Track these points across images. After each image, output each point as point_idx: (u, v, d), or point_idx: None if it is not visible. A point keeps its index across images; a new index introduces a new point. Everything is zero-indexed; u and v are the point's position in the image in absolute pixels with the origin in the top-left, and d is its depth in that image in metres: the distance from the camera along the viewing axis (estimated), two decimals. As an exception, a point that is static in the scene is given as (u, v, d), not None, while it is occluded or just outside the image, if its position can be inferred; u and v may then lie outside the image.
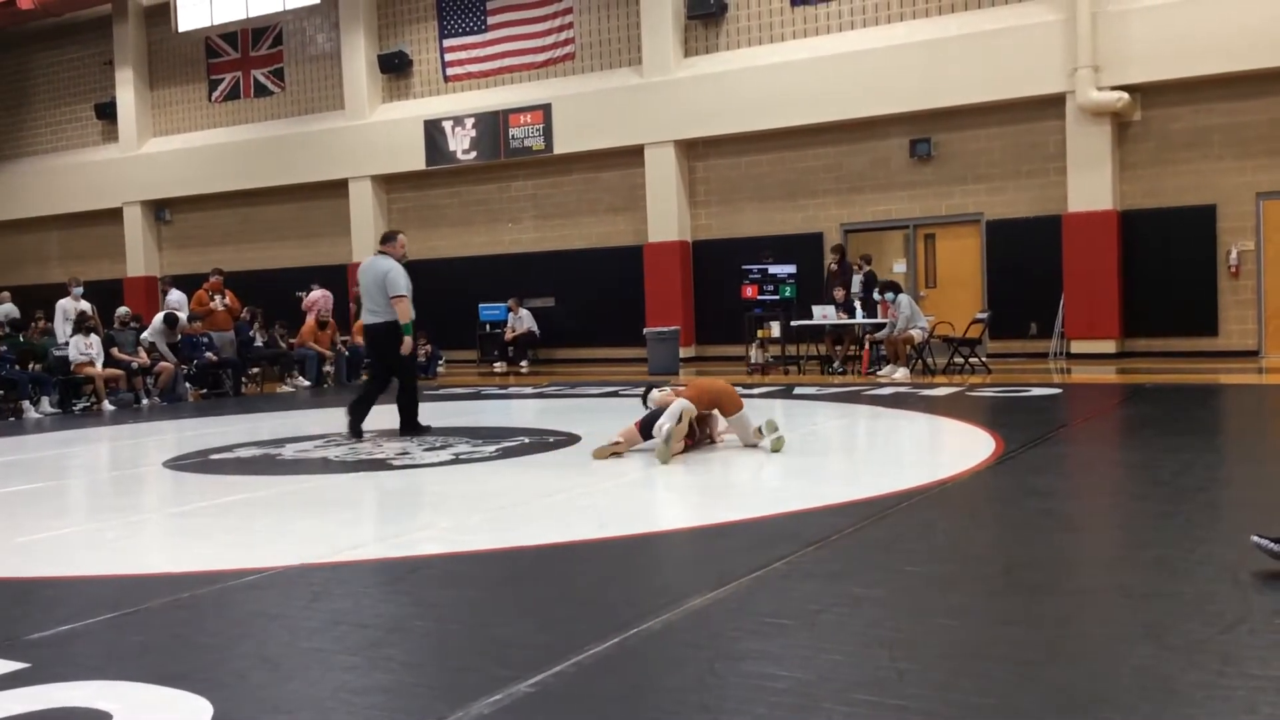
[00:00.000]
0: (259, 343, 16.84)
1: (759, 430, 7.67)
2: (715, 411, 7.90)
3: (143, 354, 14.70)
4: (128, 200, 24.24)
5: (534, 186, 20.27)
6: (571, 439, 8.67)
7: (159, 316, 15.65)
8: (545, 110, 19.36)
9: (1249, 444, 8.04)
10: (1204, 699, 2.83)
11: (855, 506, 5.52)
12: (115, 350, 14.41)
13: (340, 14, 21.48)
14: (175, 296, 17.58)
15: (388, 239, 9.58)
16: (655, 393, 8.04)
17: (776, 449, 7.46)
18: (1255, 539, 4.03)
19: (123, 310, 15.92)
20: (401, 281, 9.15)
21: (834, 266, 16.16)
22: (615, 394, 12.84)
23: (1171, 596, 3.79)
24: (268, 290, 20.37)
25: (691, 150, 18.74)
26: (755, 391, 12.58)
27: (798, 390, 12.61)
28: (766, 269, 15.83)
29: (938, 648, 3.35)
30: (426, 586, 4.42)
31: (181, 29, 23.72)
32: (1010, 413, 9.79)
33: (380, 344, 9.37)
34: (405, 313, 9.15)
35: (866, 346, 14.98)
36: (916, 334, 14.16)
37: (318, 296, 19.01)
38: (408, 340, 9.24)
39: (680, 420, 7.32)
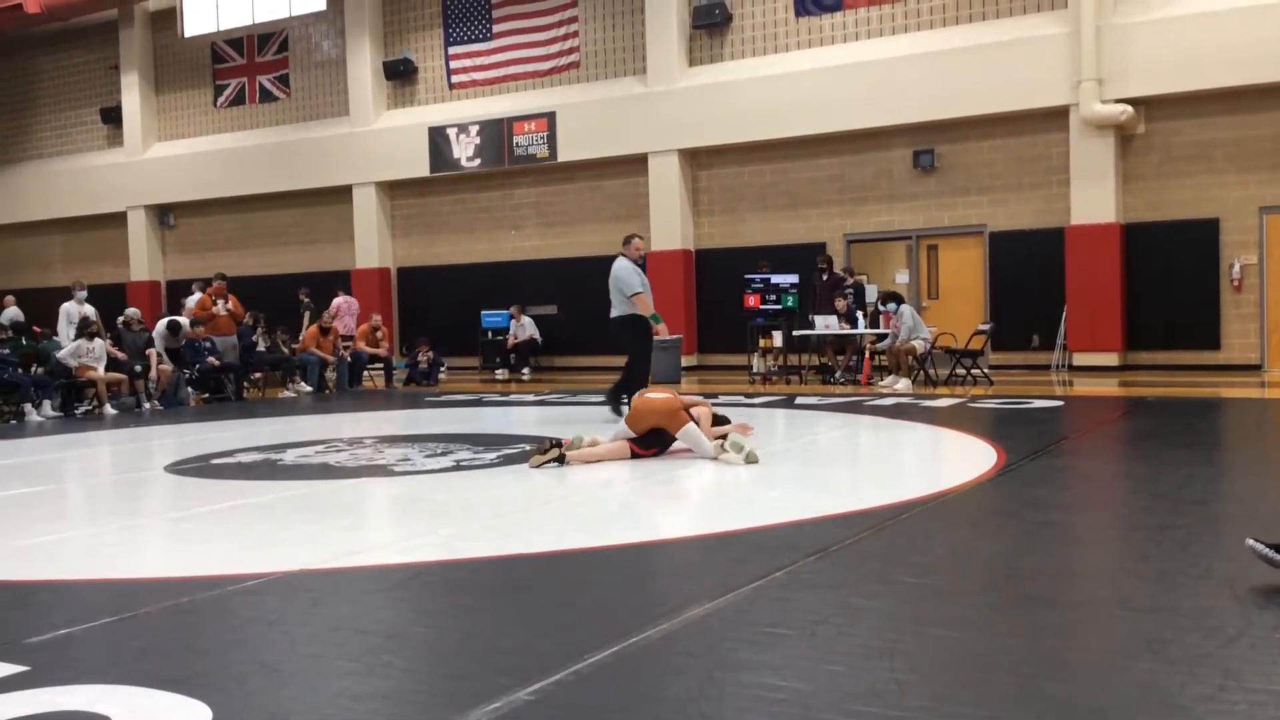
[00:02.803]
0: (261, 348, 16.85)
1: (723, 447, 7.49)
2: (701, 417, 7.90)
3: (152, 354, 14.70)
4: (132, 204, 24.28)
5: (537, 194, 20.30)
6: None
7: (162, 322, 15.67)
8: (549, 118, 19.39)
9: (1251, 458, 8.03)
10: (1205, 713, 2.83)
11: (856, 517, 5.52)
12: (114, 347, 14.42)
13: (346, 20, 21.54)
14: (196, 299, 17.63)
15: (625, 242, 10.76)
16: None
17: (751, 461, 7.39)
18: (1250, 542, 4.02)
19: (132, 311, 15.94)
20: (634, 280, 10.30)
21: (823, 276, 16.17)
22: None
23: (1172, 610, 3.78)
24: (271, 295, 20.39)
25: (695, 159, 18.77)
26: (757, 401, 12.59)
27: (799, 400, 12.61)
28: (769, 278, 15.85)
29: (938, 659, 3.34)
30: (426, 593, 4.42)
31: (187, 34, 23.78)
32: (1012, 424, 9.78)
33: (616, 334, 10.70)
34: (645, 306, 10.30)
35: (867, 356, 14.97)
36: (918, 345, 14.16)
37: (340, 303, 19.11)
38: (659, 327, 10.38)
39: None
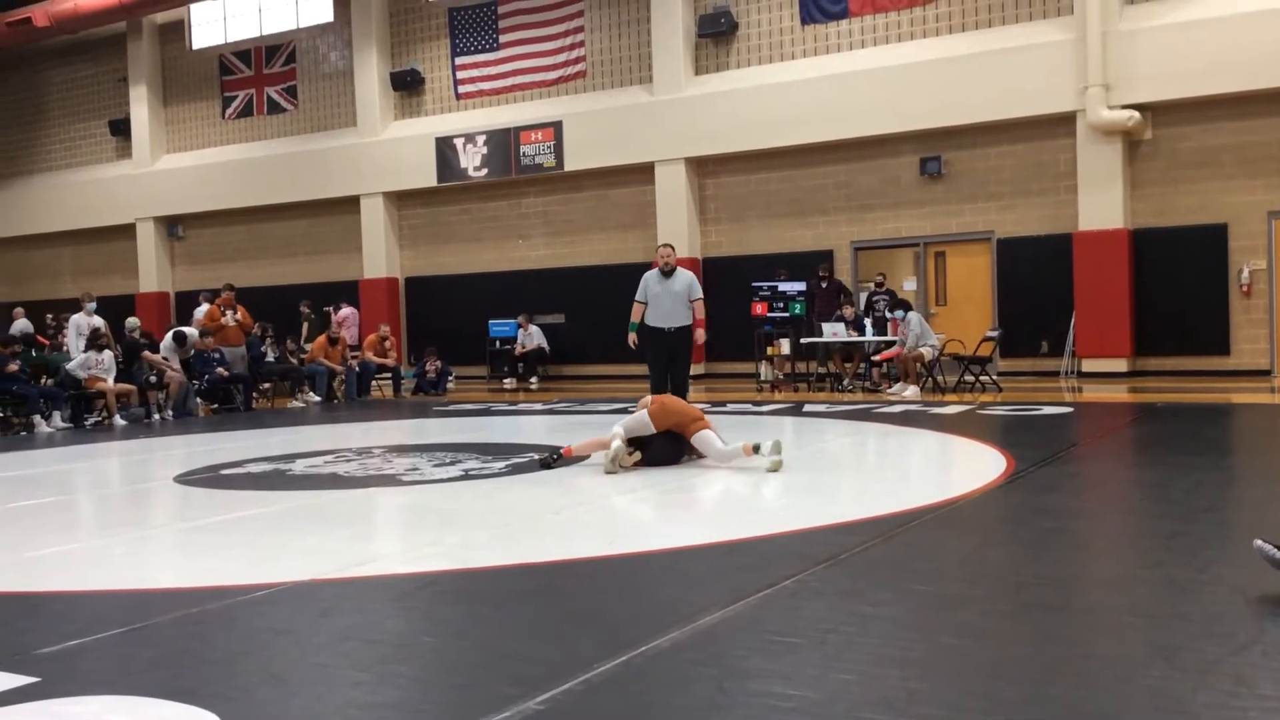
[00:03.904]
0: (270, 358, 16.89)
1: (754, 449, 7.48)
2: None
3: (172, 361, 14.81)
4: (140, 216, 24.37)
5: (544, 203, 20.33)
6: (581, 455, 8.65)
7: (169, 334, 15.74)
8: (556, 127, 19.43)
9: (1260, 464, 7.99)
10: (1216, 720, 2.82)
11: (865, 525, 5.51)
12: (148, 354, 14.61)
13: (353, 32, 21.61)
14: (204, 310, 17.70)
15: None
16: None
17: (774, 469, 7.38)
18: (1258, 543, 4.00)
19: (132, 320, 16.08)
20: (639, 289, 10.35)
21: (823, 285, 16.17)
22: (625, 410, 12.83)
23: (1183, 617, 3.77)
24: (279, 306, 20.44)
25: (702, 167, 18.79)
26: (766, 409, 12.57)
27: (808, 408, 12.60)
28: (776, 286, 15.84)
29: (948, 667, 3.33)
30: (435, 603, 4.43)
31: (195, 47, 23.89)
32: (1021, 431, 9.76)
33: None
34: (633, 313, 10.31)
35: (878, 365, 14.92)
36: (927, 352, 14.13)
37: (347, 314, 19.10)
38: (631, 335, 10.33)
39: (617, 444, 7.57)
